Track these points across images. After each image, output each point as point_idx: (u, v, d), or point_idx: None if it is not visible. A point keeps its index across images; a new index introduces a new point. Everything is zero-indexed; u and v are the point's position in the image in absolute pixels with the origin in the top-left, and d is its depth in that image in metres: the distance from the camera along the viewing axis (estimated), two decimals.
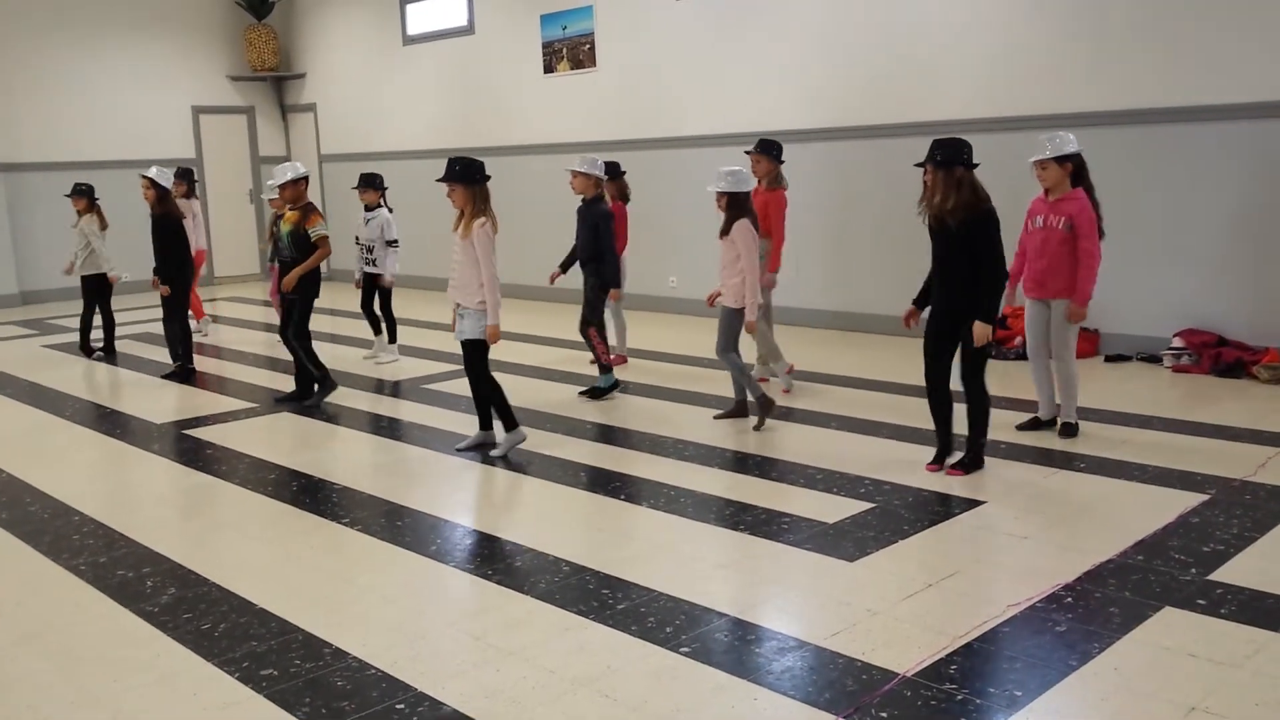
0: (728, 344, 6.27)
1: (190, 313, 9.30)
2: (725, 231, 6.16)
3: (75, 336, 9.96)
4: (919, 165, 5.27)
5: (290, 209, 7.07)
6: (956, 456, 5.34)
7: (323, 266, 7.26)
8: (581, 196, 7.19)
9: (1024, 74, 8.13)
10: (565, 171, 7.39)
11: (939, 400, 5.34)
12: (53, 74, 13.37)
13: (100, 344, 9.46)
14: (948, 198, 5.06)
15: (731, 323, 6.25)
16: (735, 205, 6.14)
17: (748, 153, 7.13)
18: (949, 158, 5.07)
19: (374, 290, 8.65)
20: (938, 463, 5.36)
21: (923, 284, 5.42)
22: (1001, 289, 5.22)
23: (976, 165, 5.16)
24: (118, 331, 9.72)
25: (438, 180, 5.84)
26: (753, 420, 6.31)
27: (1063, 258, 5.68)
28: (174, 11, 14.24)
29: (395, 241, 8.57)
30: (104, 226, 9.24)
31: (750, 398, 6.31)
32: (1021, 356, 7.62)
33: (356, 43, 14.08)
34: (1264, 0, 7.02)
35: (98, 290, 9.32)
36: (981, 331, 5.11)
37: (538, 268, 11.50)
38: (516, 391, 6.58)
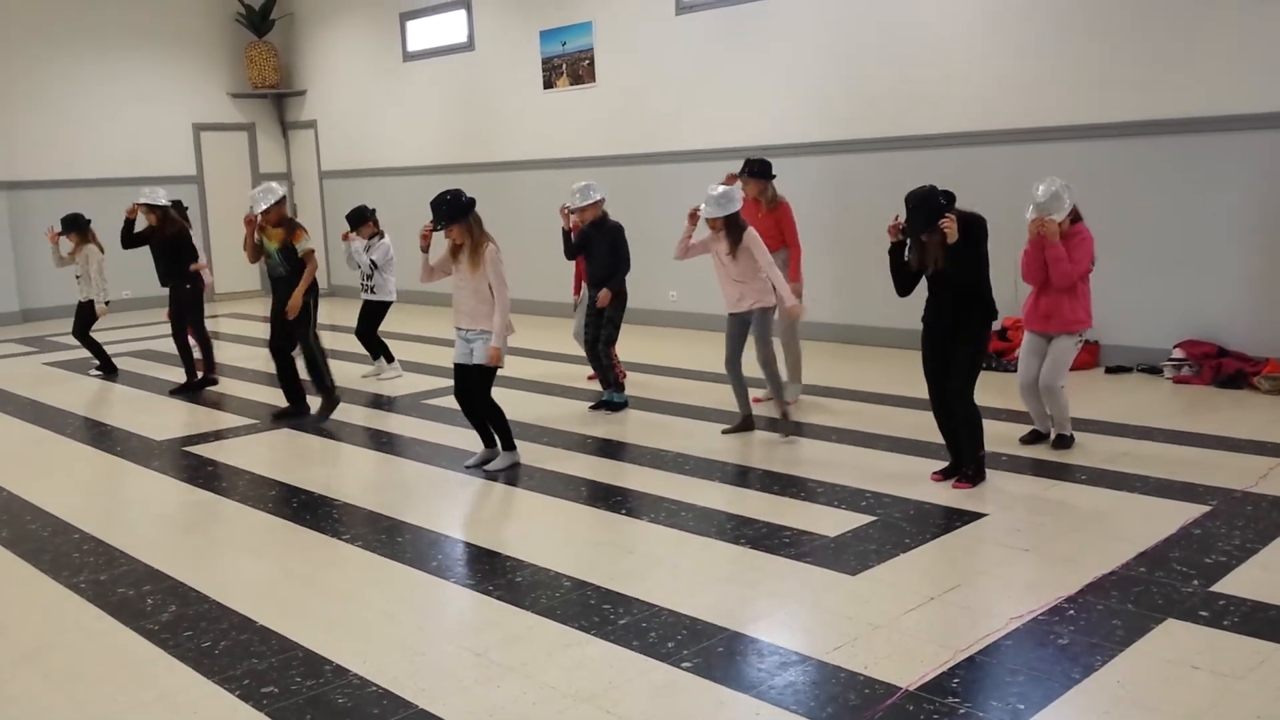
0: (768, 350, 6.28)
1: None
2: (733, 250, 6.19)
3: (75, 354, 9.97)
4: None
5: (274, 228, 7.06)
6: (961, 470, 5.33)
7: (320, 281, 7.23)
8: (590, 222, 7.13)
9: (1026, 86, 8.14)
10: (568, 201, 7.18)
11: (947, 416, 5.34)
12: (54, 91, 13.40)
13: (98, 363, 9.42)
14: (951, 256, 5.01)
15: (764, 325, 6.27)
16: (732, 224, 6.17)
17: (735, 176, 7.06)
18: (931, 217, 4.98)
19: (377, 313, 8.69)
20: (944, 474, 5.35)
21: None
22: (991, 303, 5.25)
23: (953, 198, 5.09)
24: (117, 349, 9.68)
25: (433, 228, 5.76)
26: (758, 434, 6.35)
27: (1069, 295, 5.69)
28: (175, 28, 14.29)
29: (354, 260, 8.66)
30: (101, 251, 9.22)
31: (776, 397, 6.36)
32: None
33: (357, 59, 14.12)
34: (1264, 12, 7.04)
35: (83, 315, 9.26)
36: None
37: (535, 282, 11.54)
38: (515, 407, 6.58)
